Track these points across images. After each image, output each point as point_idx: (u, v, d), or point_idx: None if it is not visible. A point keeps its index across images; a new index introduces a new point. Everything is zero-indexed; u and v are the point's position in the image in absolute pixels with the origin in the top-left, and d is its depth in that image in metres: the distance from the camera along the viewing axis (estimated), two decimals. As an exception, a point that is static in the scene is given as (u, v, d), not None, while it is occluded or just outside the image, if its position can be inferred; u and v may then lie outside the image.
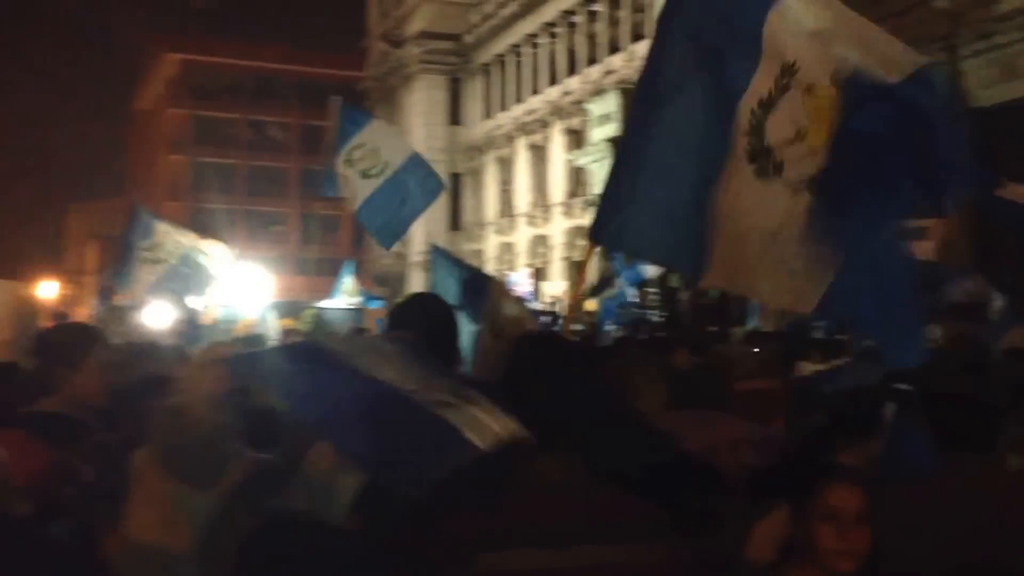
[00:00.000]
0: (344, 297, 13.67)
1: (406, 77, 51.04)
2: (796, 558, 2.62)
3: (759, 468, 3.12)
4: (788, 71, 3.50)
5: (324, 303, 17.29)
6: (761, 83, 3.53)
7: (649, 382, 3.75)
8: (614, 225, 3.65)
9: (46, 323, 8.36)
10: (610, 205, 3.68)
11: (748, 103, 3.52)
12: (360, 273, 13.70)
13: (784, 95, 3.51)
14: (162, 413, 2.66)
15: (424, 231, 45.32)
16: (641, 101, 3.73)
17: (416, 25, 50.12)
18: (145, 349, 6.48)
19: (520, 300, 7.43)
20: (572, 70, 41.23)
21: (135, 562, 2.36)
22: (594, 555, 2.52)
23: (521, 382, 2.81)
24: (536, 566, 2.46)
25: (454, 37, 49.59)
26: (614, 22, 38.08)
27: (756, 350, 7.49)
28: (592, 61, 39.41)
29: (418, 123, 49.55)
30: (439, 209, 49.51)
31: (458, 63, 50.14)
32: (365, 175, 9.71)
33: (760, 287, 3.66)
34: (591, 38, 39.83)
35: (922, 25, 18.54)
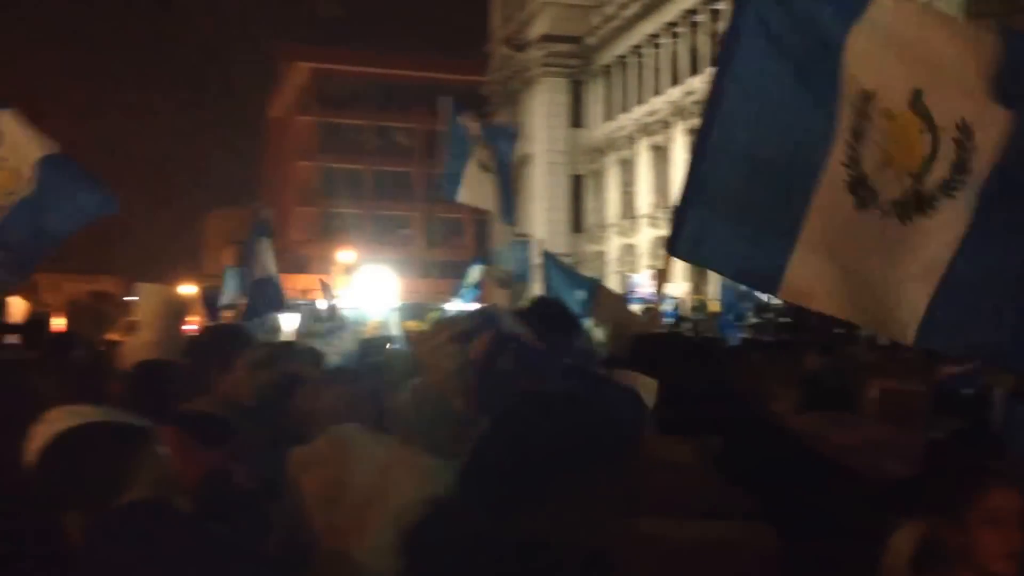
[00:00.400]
0: (465, 291, 13.85)
1: (528, 80, 51.32)
2: (944, 566, 2.55)
3: (897, 473, 3.08)
4: (866, 98, 3.46)
5: (447, 305, 17.55)
6: (846, 113, 3.49)
7: (780, 383, 3.74)
8: (686, 236, 3.61)
9: (191, 323, 8.72)
10: (683, 216, 3.64)
11: (842, 134, 3.47)
12: (486, 274, 13.89)
13: (867, 123, 3.47)
14: (404, 392, 2.77)
15: (546, 233, 45.53)
16: (711, 111, 3.70)
17: (538, 29, 50.35)
18: (283, 349, 6.74)
19: (627, 303, 7.47)
20: (694, 70, 40.76)
21: (332, 559, 2.42)
22: (714, 531, 2.57)
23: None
24: (661, 535, 2.51)
25: (575, 39, 49.62)
26: (738, 19, 37.45)
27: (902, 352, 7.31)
28: (715, 60, 38.86)
29: (540, 125, 49.78)
30: (561, 211, 49.60)
31: (579, 65, 50.14)
32: (484, 168, 10.13)
33: (860, 312, 3.59)
34: (714, 37, 39.29)
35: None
